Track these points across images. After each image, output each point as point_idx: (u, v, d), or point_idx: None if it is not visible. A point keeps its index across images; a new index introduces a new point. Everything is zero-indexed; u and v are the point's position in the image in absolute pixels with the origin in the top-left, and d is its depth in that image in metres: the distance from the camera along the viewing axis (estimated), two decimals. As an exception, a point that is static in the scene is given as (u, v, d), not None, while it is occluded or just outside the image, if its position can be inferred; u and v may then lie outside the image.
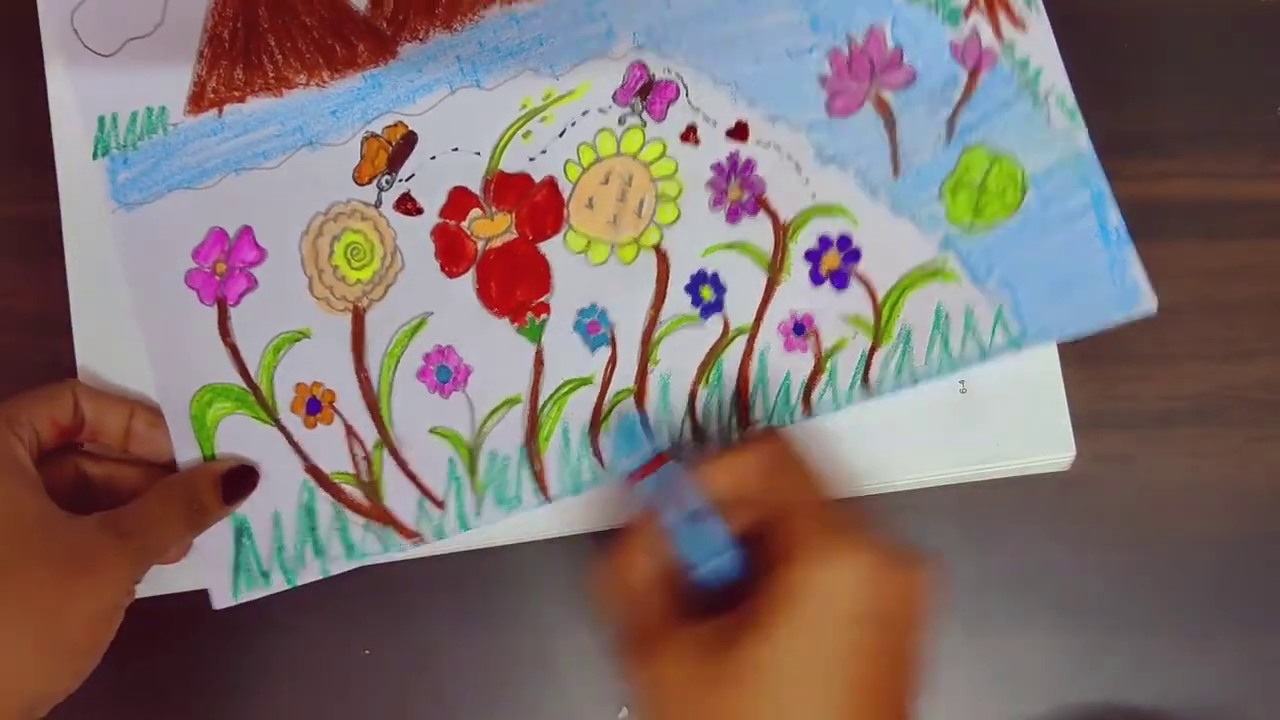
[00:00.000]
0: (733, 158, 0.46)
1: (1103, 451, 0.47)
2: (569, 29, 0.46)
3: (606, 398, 0.45)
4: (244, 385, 0.45)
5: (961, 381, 0.45)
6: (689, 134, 0.46)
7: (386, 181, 0.46)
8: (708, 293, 0.46)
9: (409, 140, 0.46)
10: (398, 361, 0.45)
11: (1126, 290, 0.45)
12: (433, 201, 0.46)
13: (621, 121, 0.46)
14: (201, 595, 0.44)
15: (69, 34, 0.45)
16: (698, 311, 0.45)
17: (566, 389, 0.45)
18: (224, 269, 0.45)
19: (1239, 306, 0.48)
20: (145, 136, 0.45)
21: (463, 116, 0.46)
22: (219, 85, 0.46)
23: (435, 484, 0.45)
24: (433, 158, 0.46)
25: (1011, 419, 0.45)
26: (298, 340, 0.45)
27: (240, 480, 0.44)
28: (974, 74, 0.46)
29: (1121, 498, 0.47)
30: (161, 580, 0.44)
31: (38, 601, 0.36)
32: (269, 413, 0.45)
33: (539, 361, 0.45)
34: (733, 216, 0.46)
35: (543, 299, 0.45)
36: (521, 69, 0.46)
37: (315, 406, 0.45)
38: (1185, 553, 0.46)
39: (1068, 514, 0.47)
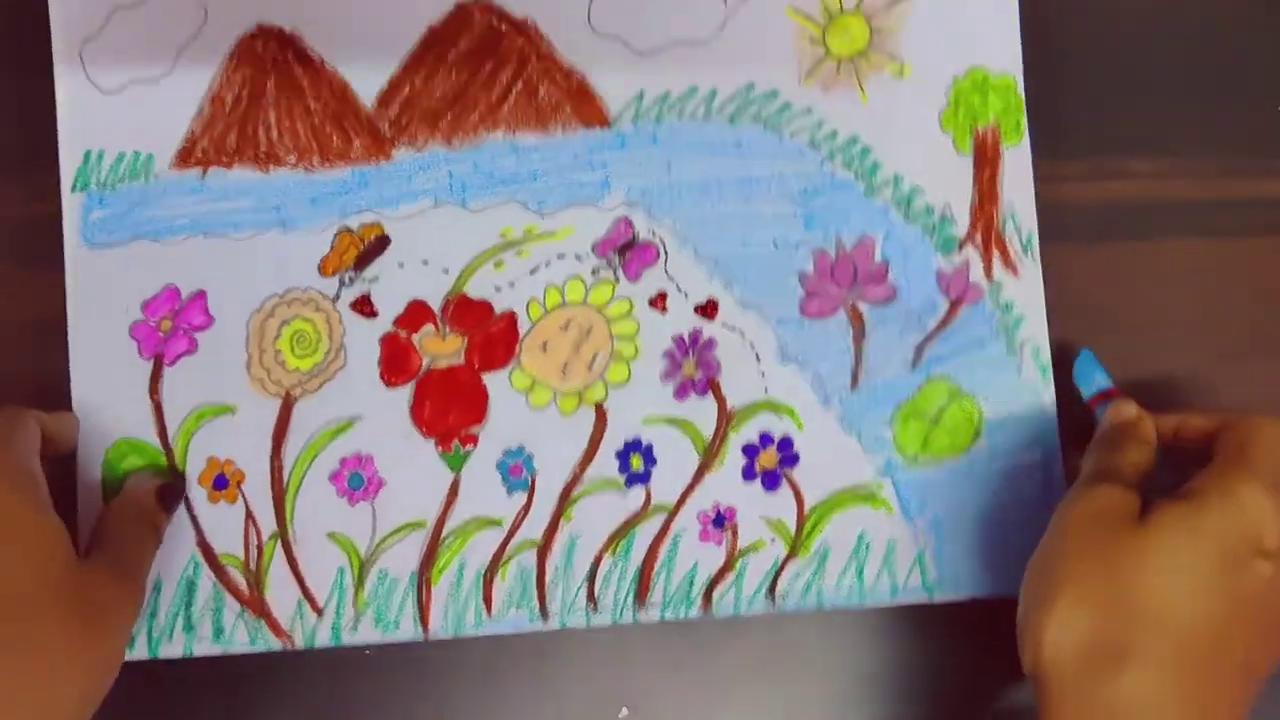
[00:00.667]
0: (695, 334, 0.45)
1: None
2: (566, 171, 0.46)
3: (510, 545, 0.44)
4: (159, 446, 0.44)
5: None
6: (658, 300, 0.46)
7: (349, 278, 0.45)
8: (637, 462, 0.45)
9: (381, 242, 0.46)
10: (314, 458, 0.44)
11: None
12: (390, 308, 0.45)
13: (595, 272, 0.46)
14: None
15: (76, 63, 0.45)
16: (623, 479, 0.45)
17: (474, 526, 0.45)
18: (169, 327, 0.45)
19: (1237, 306, 0.47)
20: (127, 180, 0.45)
21: (440, 231, 0.45)
22: (209, 146, 0.46)
23: (319, 589, 0.44)
24: (400, 265, 0.45)
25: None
26: (222, 414, 0.45)
27: (174, 494, 0.43)
28: (955, 305, 0.46)
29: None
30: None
31: (59, 652, 0.36)
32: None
33: (453, 491, 0.45)
34: (681, 392, 0.45)
35: (473, 429, 0.45)
36: (510, 199, 0.46)
37: (222, 483, 0.44)
38: None
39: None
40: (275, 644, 0.44)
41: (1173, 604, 0.35)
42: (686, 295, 0.46)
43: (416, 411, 0.45)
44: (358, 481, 0.44)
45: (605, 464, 0.45)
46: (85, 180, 0.45)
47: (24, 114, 0.46)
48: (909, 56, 0.46)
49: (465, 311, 0.45)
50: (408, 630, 0.44)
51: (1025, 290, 0.46)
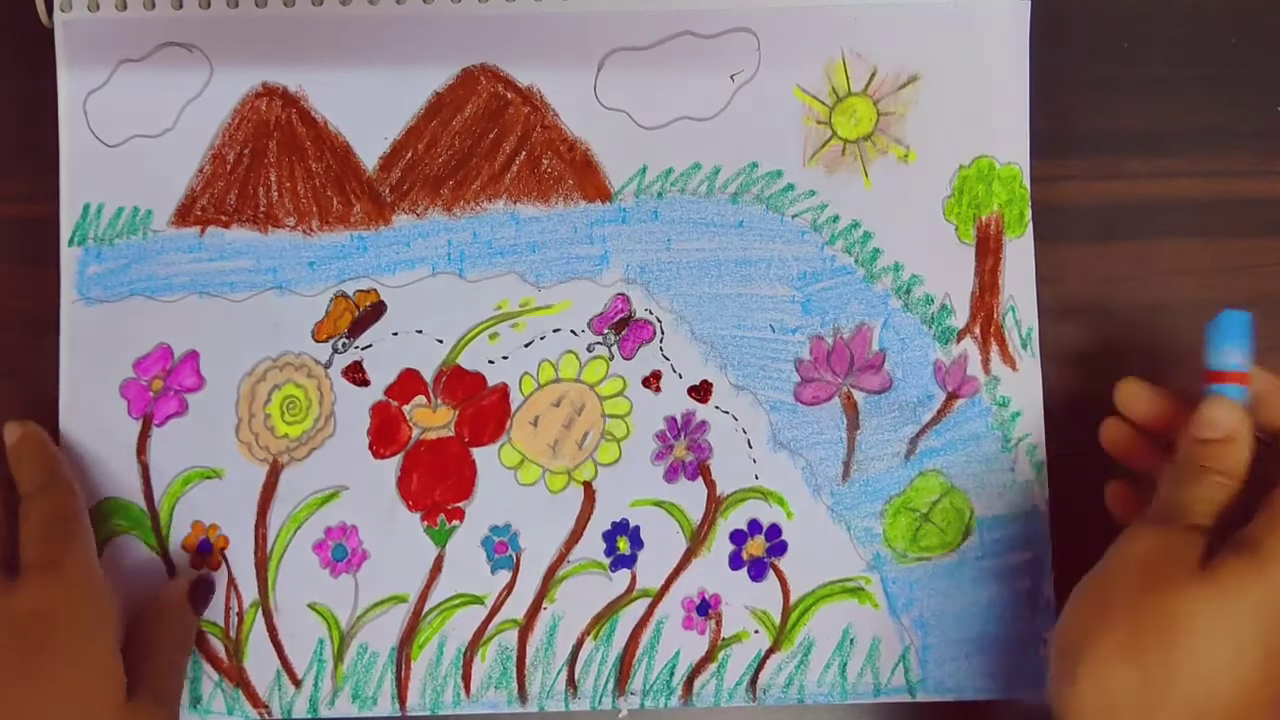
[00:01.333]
0: (688, 416, 0.45)
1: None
2: (565, 244, 0.46)
3: (492, 624, 0.44)
4: (144, 508, 0.44)
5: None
6: (652, 380, 0.45)
7: (343, 345, 0.45)
8: (624, 545, 0.45)
9: (377, 309, 0.45)
10: (299, 527, 0.44)
11: (1040, 669, 0.43)
12: (382, 377, 0.45)
13: (590, 349, 0.45)
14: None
15: (80, 114, 0.45)
16: (609, 561, 0.44)
17: (457, 602, 0.44)
18: (160, 386, 0.45)
19: (1238, 306, 0.46)
20: (125, 235, 0.45)
21: (436, 301, 0.45)
22: (209, 205, 0.45)
23: (298, 660, 0.44)
24: (395, 333, 0.45)
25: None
26: (209, 478, 0.44)
27: (205, 591, 0.43)
28: (951, 398, 0.45)
29: None
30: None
31: None
32: (160, 542, 0.44)
33: (437, 567, 0.44)
34: (671, 475, 0.45)
35: (460, 504, 0.44)
36: (508, 270, 0.45)
37: (206, 548, 0.44)
38: None
39: None
40: (252, 714, 0.43)
41: (1215, 669, 0.34)
42: (681, 376, 0.45)
43: (404, 484, 0.44)
44: (342, 552, 0.44)
45: (591, 546, 0.44)
46: (83, 234, 0.45)
47: (24, 114, 0.46)
48: (915, 142, 0.46)
49: (457, 383, 0.45)
50: (385, 707, 0.43)
51: (1023, 386, 0.45)
